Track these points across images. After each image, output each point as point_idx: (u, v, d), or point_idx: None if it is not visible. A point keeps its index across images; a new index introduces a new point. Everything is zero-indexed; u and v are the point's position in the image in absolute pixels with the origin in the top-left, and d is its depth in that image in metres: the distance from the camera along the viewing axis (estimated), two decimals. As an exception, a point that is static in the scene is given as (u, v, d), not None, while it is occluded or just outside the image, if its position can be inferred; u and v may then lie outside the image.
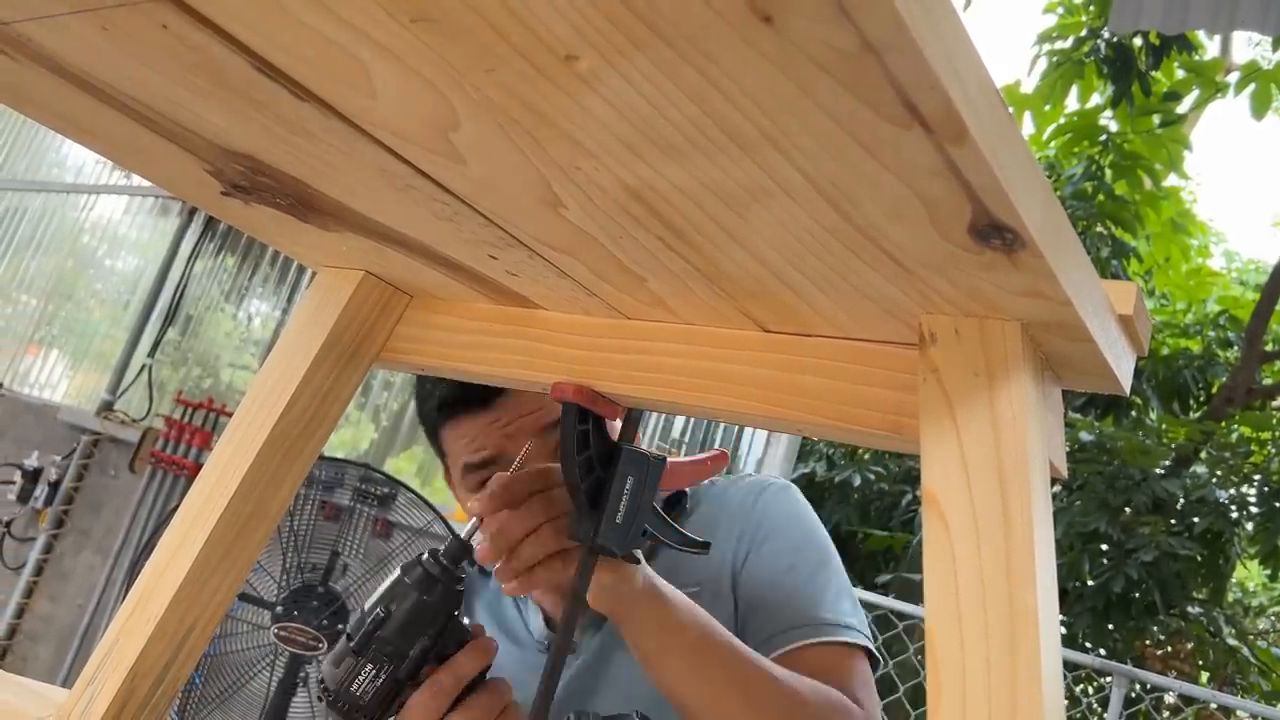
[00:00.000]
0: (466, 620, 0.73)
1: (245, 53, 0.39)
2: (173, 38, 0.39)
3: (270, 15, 0.35)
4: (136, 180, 5.00)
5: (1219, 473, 4.62)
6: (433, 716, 0.70)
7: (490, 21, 0.31)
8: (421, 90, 0.37)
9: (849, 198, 0.36)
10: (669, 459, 0.64)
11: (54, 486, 4.22)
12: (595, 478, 0.62)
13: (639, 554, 0.68)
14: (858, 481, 4.91)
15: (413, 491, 2.71)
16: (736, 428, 3.25)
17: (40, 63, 0.46)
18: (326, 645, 2.47)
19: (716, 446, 0.81)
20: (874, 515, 5.10)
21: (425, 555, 0.71)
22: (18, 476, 4.27)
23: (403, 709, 0.70)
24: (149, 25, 0.38)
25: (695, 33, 0.29)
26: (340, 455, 3.56)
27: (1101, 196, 4.85)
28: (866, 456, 5.06)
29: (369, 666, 0.69)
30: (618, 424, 0.63)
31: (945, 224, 0.36)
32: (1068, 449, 0.54)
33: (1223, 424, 4.85)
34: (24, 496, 4.24)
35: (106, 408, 4.32)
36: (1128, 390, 0.51)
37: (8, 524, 4.30)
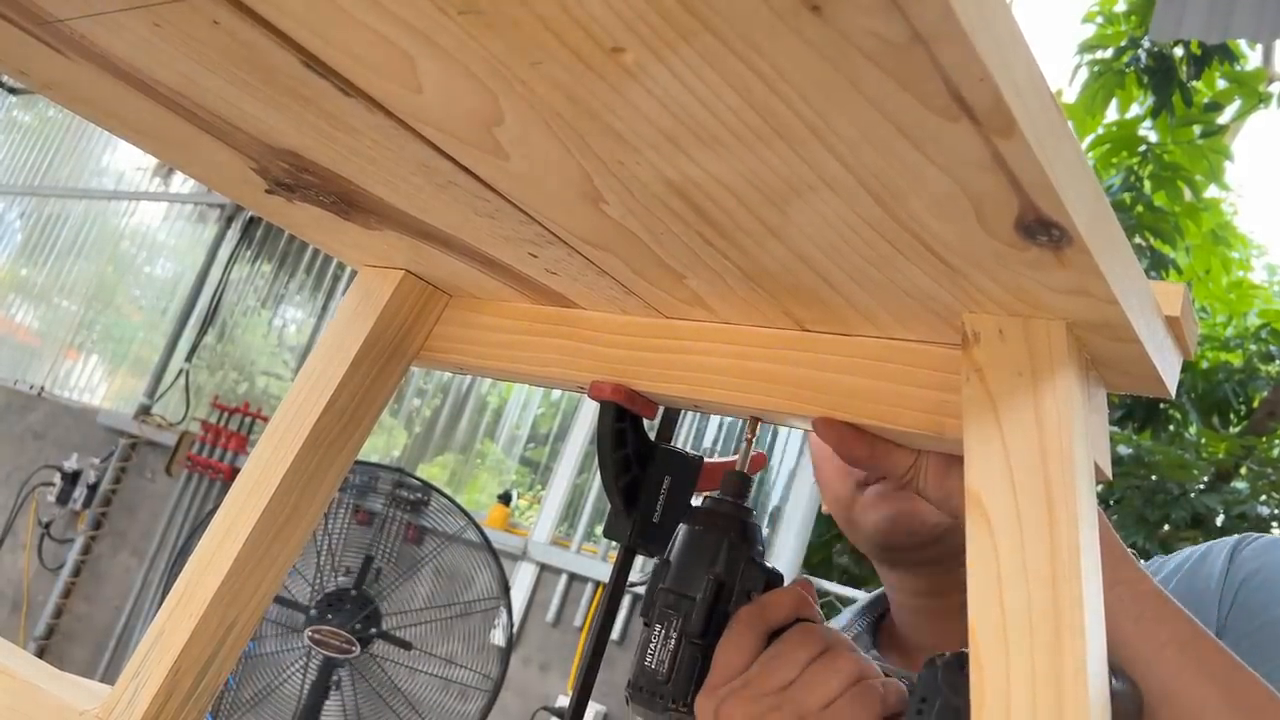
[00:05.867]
0: None
1: (294, 48, 0.39)
2: (224, 34, 0.39)
3: (320, 10, 0.36)
4: (175, 187, 5.08)
5: (1260, 489, 4.54)
6: (740, 660, 0.56)
7: (537, 13, 0.31)
8: (467, 84, 0.38)
9: (893, 192, 0.36)
10: (706, 459, 0.64)
11: (92, 489, 4.29)
12: (632, 477, 0.62)
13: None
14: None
15: (445, 496, 2.73)
16: (769, 435, 3.24)
17: (92, 60, 0.47)
18: (359, 648, 2.48)
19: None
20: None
21: (701, 498, 0.61)
22: (57, 478, 4.34)
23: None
24: (200, 21, 0.39)
25: (742, 23, 0.29)
26: (373, 460, 3.58)
27: (1140, 207, 4.80)
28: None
29: (657, 628, 0.57)
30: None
31: (991, 219, 0.36)
32: (1104, 462, 0.53)
33: (1264, 439, 4.77)
34: (63, 498, 4.31)
35: (144, 411, 4.38)
36: (1173, 393, 0.50)
37: (47, 525, 4.37)
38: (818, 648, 0.57)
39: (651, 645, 0.57)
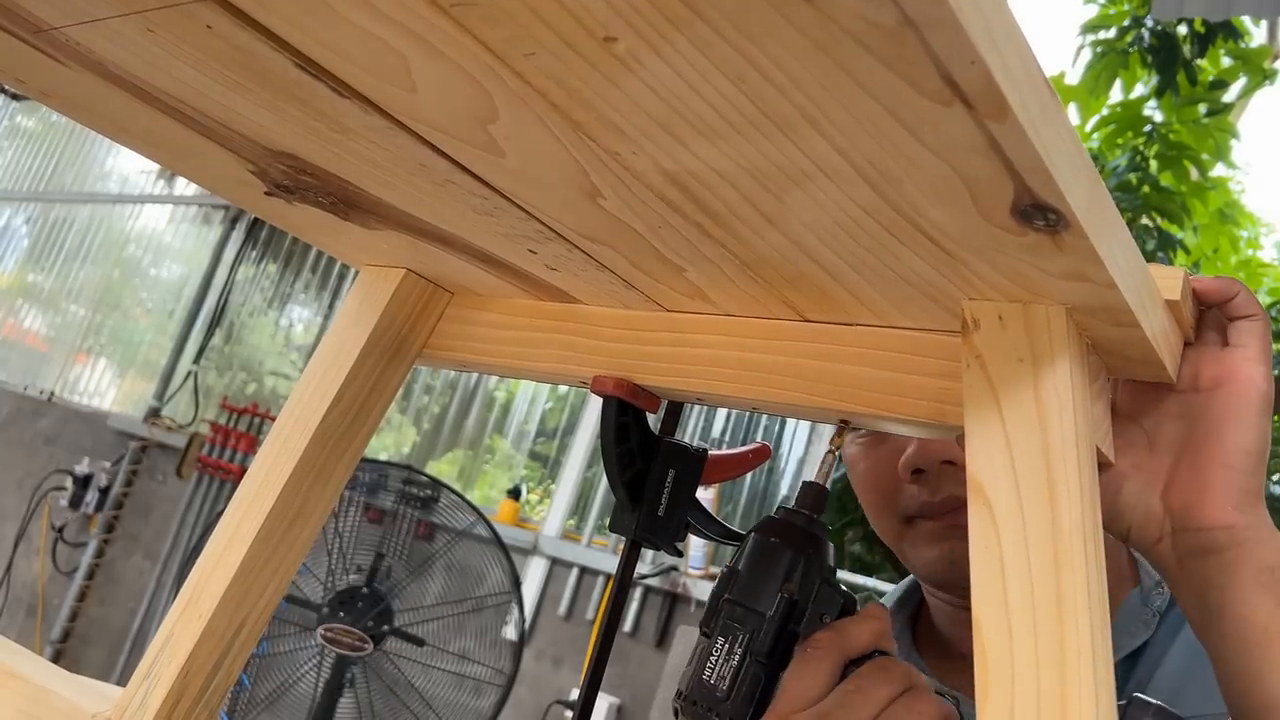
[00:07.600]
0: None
1: (287, 51, 0.39)
2: (217, 38, 0.39)
3: (312, 12, 0.36)
4: (179, 190, 5.09)
5: (1272, 466, 4.53)
6: (815, 690, 0.52)
7: (529, 4, 0.31)
8: (460, 82, 0.38)
9: (888, 178, 0.36)
10: (711, 452, 0.64)
11: (104, 492, 4.31)
12: (636, 471, 0.62)
13: (680, 547, 0.68)
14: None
15: (455, 493, 2.73)
16: (777, 426, 3.24)
17: (88, 67, 0.47)
18: (372, 646, 2.49)
19: (758, 440, 0.80)
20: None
21: (776, 509, 0.58)
22: (69, 483, 4.37)
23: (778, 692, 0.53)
24: (193, 26, 0.39)
25: (734, 10, 0.29)
26: (383, 458, 3.59)
27: (1147, 188, 4.77)
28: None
29: (720, 641, 0.54)
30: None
31: (987, 204, 0.36)
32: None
33: (1276, 416, 4.75)
34: (75, 502, 4.33)
35: (154, 414, 4.40)
36: (1175, 378, 0.50)
37: (60, 529, 4.40)
38: (900, 686, 0.53)
39: (712, 658, 0.54)
